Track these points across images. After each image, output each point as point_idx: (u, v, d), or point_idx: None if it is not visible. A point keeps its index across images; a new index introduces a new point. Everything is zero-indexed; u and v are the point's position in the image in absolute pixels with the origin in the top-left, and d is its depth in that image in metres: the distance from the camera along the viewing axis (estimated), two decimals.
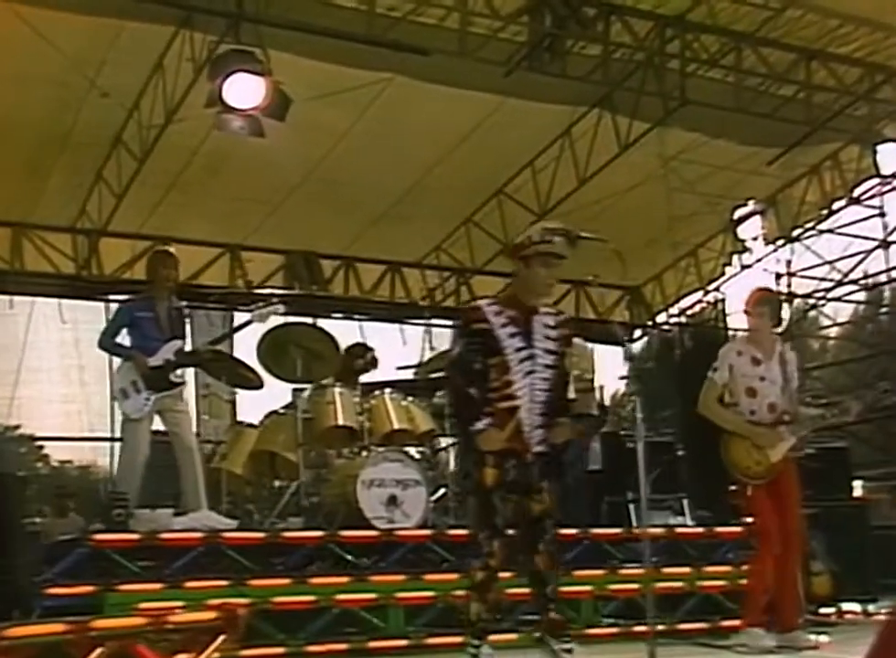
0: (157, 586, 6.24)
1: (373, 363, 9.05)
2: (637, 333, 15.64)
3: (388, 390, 8.37)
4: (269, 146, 11.47)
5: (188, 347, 7.95)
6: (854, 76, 11.93)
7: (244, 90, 9.50)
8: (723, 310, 14.08)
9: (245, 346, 8.57)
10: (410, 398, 8.43)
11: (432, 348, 9.85)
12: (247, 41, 9.68)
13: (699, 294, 14.96)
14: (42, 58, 9.95)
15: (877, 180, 13.28)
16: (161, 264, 8.02)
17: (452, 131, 12.00)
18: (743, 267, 14.32)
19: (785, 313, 13.81)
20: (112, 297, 11.81)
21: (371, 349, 9.17)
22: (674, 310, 15.30)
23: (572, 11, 10.55)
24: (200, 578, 6.35)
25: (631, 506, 8.36)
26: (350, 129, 11.71)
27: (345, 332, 11.72)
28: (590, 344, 10.36)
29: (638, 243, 13.99)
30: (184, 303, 8.12)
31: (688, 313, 14.93)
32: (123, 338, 7.81)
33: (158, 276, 7.97)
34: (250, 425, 8.43)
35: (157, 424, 7.75)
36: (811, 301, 14.81)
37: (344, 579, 6.79)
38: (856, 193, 13.82)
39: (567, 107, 11.93)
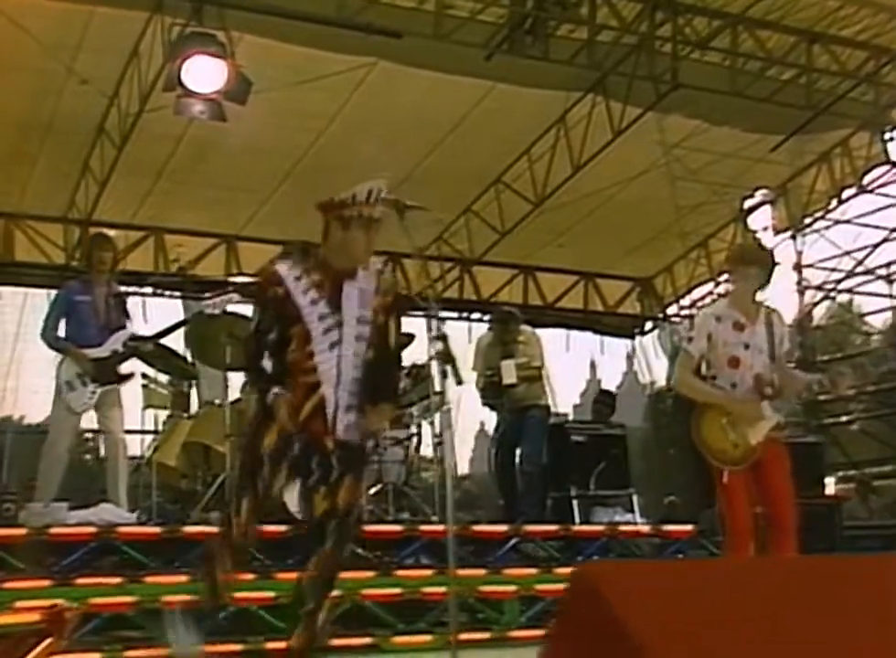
0: (44, 583, 5.98)
1: None
2: (648, 325, 15.24)
3: None
4: (254, 133, 11.34)
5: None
6: (859, 59, 11.41)
7: (204, 74, 9.30)
8: None
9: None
10: None
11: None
12: (212, 25, 9.53)
13: (711, 285, 14.48)
14: (16, 46, 9.85)
15: (887, 167, 12.76)
16: (96, 247, 7.85)
17: (442, 117, 11.70)
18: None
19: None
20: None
21: None
22: (685, 301, 14.84)
23: None
24: (90, 575, 6.11)
25: (574, 502, 7.99)
26: (336, 115, 11.48)
27: None
28: (538, 331, 10.10)
29: (646, 234, 13.70)
30: (122, 289, 7.91)
31: (700, 304, 14.45)
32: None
33: (93, 260, 7.77)
34: (190, 416, 8.23)
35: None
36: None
37: (248, 576, 6.51)
38: (866, 180, 13.27)
39: (560, 92, 11.57)
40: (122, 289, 8.04)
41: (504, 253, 13.73)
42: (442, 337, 4.73)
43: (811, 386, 6.46)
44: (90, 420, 7.72)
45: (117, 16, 9.88)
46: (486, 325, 9.77)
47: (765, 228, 13.07)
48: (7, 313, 12.60)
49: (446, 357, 4.70)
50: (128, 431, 7.86)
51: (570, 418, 15.40)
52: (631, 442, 9.28)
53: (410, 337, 8.35)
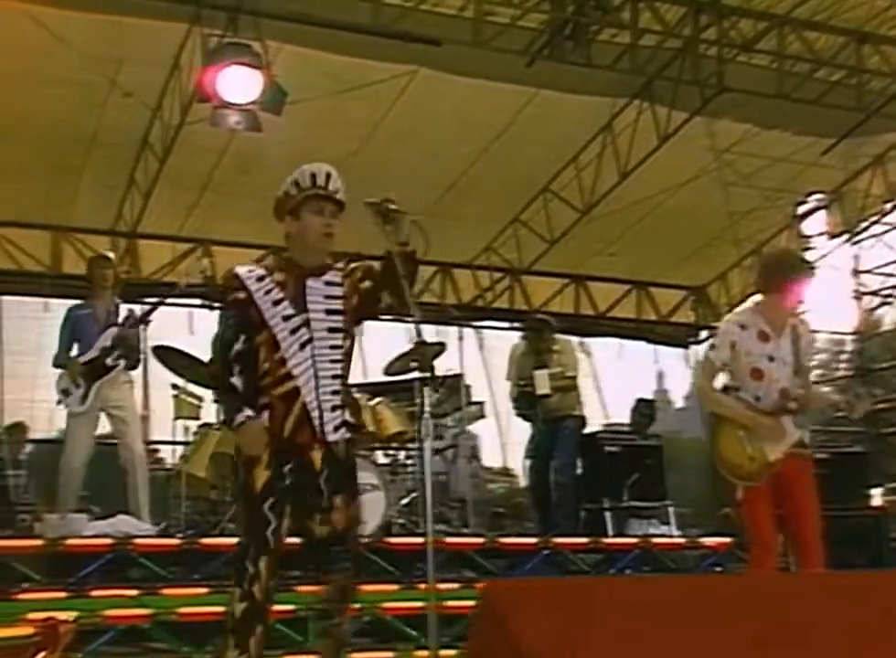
0: (60, 595, 5.93)
1: None
2: (703, 334, 14.96)
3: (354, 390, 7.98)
4: (297, 143, 11.30)
5: None
6: None
7: (239, 84, 9.28)
8: None
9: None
10: (379, 399, 8.04)
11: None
12: (249, 35, 9.51)
13: None
14: (59, 59, 9.91)
15: None
16: (97, 267, 8.17)
17: (485, 125, 11.59)
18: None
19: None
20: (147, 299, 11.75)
21: None
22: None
23: None
24: (106, 587, 6.05)
25: (607, 514, 7.79)
26: (379, 124, 11.41)
27: None
28: (589, 341, 9.93)
29: (698, 241, 13.47)
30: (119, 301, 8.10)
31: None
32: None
33: (95, 277, 8.07)
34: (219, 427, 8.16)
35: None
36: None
37: None
38: None
39: (605, 99, 11.42)
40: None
41: (554, 262, 13.58)
42: (422, 344, 4.51)
43: (832, 405, 6.11)
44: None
45: (157, 28, 9.90)
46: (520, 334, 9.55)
47: (820, 234, 12.77)
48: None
49: (424, 366, 4.53)
50: (159, 442, 7.84)
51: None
52: (686, 454, 9.09)
53: (441, 346, 8.25)
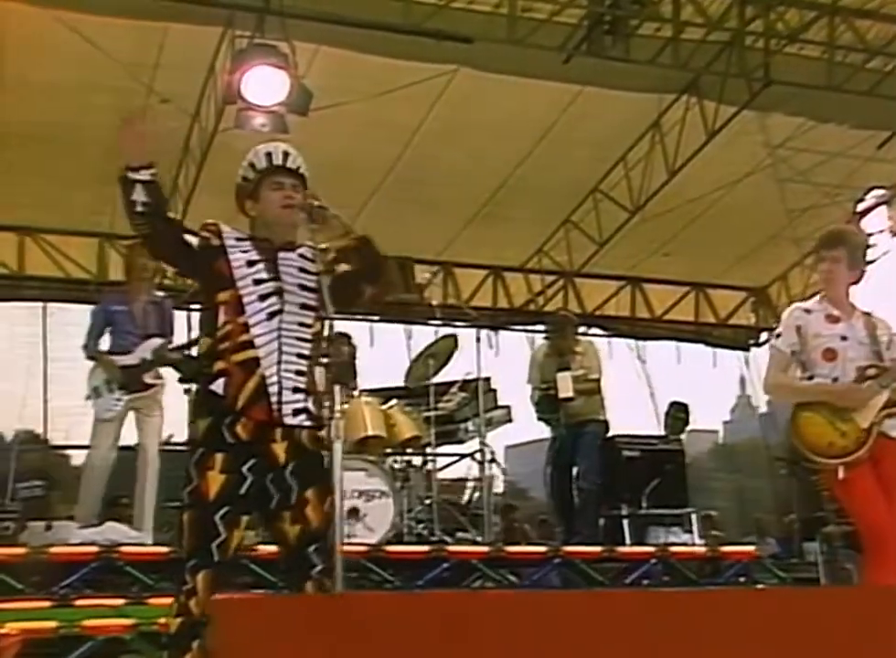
0: (43, 604, 5.80)
1: (351, 352, 8.40)
2: (764, 336, 14.52)
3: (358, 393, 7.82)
4: (339, 147, 11.22)
5: None
6: None
7: (264, 85, 9.17)
8: None
9: None
10: (393, 402, 7.84)
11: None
12: (277, 36, 9.40)
13: None
14: (96, 66, 9.91)
15: None
16: (137, 254, 7.48)
17: (529, 124, 11.36)
18: (869, 262, 12.99)
19: None
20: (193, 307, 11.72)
21: (348, 336, 8.53)
22: None
23: None
24: (91, 596, 5.92)
25: (625, 521, 7.49)
26: (421, 126, 11.25)
27: None
28: (647, 344, 9.63)
29: (755, 240, 13.09)
30: (161, 294, 7.72)
31: None
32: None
33: (135, 266, 7.61)
34: None
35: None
36: None
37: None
38: None
39: (652, 95, 11.12)
40: (161, 295, 7.80)
41: (607, 264, 13.28)
42: (332, 340, 4.25)
43: None
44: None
45: (192, 32, 9.84)
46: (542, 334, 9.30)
47: (881, 231, 12.27)
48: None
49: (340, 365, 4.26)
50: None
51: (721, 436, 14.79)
52: (743, 458, 8.73)
53: (455, 339, 8.05)
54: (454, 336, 8.38)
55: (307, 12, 9.41)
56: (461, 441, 8.35)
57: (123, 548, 6.35)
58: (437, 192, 12.06)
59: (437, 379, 8.25)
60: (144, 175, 4.17)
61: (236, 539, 4.06)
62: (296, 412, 4.11)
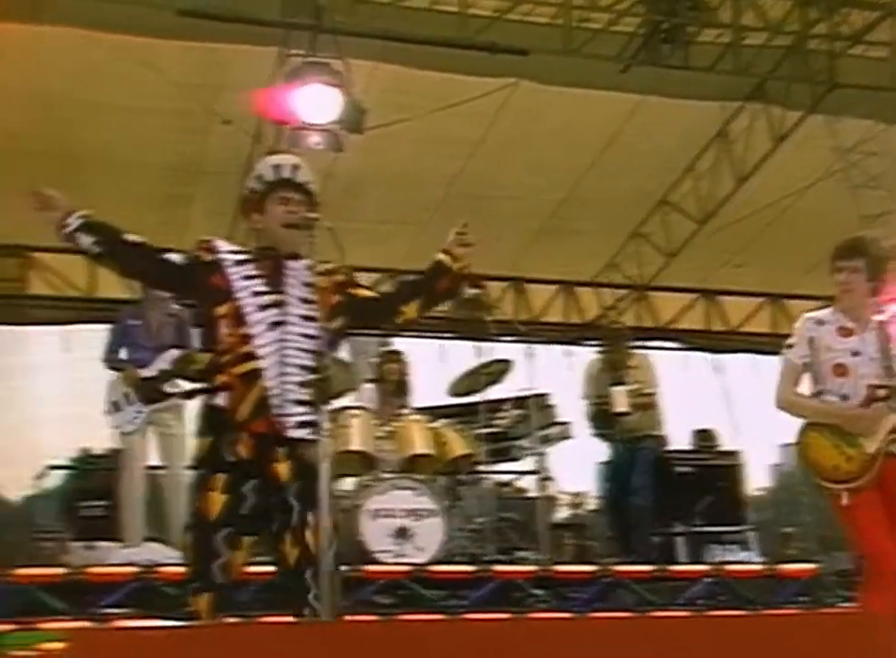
0: (83, 624, 5.82)
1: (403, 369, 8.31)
2: None
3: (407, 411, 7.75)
4: (401, 163, 11.23)
5: None
6: None
7: (318, 104, 9.17)
8: None
9: None
10: (444, 421, 7.75)
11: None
12: (331, 54, 9.40)
13: None
14: (156, 90, 10.01)
15: None
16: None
17: (592, 136, 11.23)
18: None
19: None
20: None
21: (399, 353, 8.46)
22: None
23: None
24: (130, 616, 5.92)
25: (680, 539, 7.29)
26: (483, 140, 11.17)
27: None
28: (720, 357, 9.41)
29: (829, 248, 12.68)
30: (178, 307, 7.68)
31: None
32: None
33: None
34: None
35: None
36: None
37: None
38: None
39: (715, 103, 10.92)
40: (177, 308, 7.79)
41: (678, 276, 13.04)
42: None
43: None
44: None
45: (250, 53, 9.87)
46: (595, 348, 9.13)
47: None
48: None
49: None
50: None
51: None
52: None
53: (507, 363, 7.93)
54: (508, 361, 8.28)
55: (360, 29, 9.40)
56: (515, 459, 8.23)
57: (162, 569, 6.31)
58: (501, 206, 11.97)
59: (490, 396, 8.15)
60: (73, 223, 4.14)
61: (239, 561, 4.00)
62: (300, 425, 4.02)
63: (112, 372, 7.58)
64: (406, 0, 9.67)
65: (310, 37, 9.41)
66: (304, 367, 4.06)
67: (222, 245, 4.27)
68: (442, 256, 4.42)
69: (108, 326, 7.83)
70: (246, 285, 4.12)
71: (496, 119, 10.87)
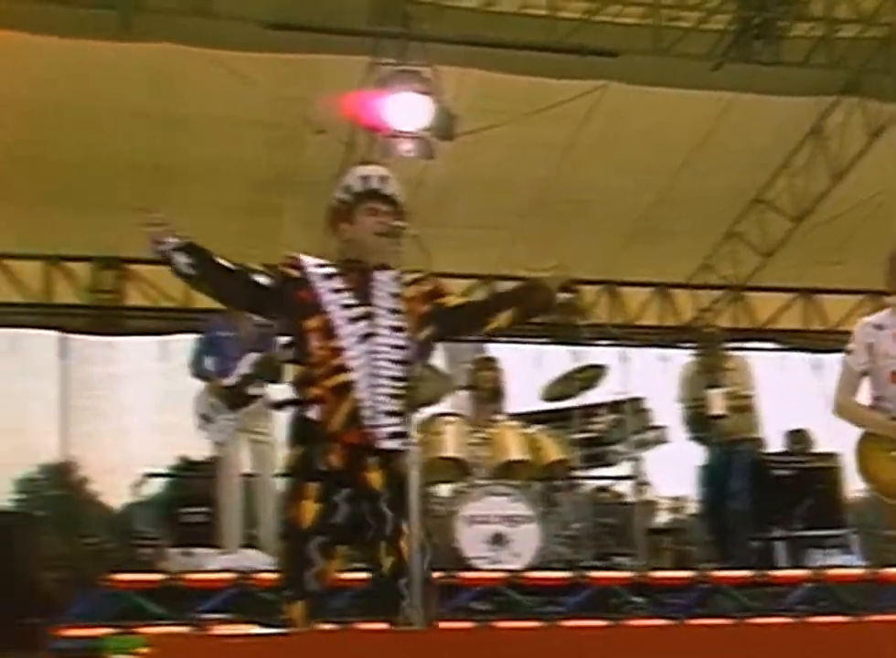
0: (181, 630, 5.89)
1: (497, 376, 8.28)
2: None
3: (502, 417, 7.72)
4: (493, 169, 11.22)
5: None
6: None
7: (408, 111, 9.20)
8: None
9: None
10: (538, 426, 7.71)
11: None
12: (418, 61, 9.42)
13: None
14: (248, 101, 10.15)
15: None
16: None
17: (685, 135, 11.10)
18: None
19: None
20: None
21: (494, 360, 8.43)
22: None
23: None
24: (227, 622, 5.98)
25: (777, 544, 7.16)
26: (573, 143, 11.11)
27: None
28: (822, 357, 9.23)
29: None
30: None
31: None
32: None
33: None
34: None
35: None
36: None
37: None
38: None
39: (808, 98, 10.74)
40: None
41: (775, 275, 12.83)
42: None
43: None
44: None
45: (341, 62, 9.92)
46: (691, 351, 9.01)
47: None
48: None
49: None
50: None
51: None
52: None
53: (601, 369, 7.87)
54: (602, 366, 8.22)
55: (449, 35, 9.42)
56: (610, 464, 8.18)
57: (259, 575, 6.35)
58: (594, 209, 11.92)
59: (586, 401, 8.11)
60: (171, 242, 4.17)
61: (332, 569, 4.03)
62: (391, 436, 4.04)
63: (200, 381, 7.67)
64: (494, 5, 9.66)
65: (399, 45, 9.45)
66: (394, 378, 4.08)
67: (308, 260, 4.32)
68: (544, 277, 4.31)
69: (196, 336, 7.86)
70: (334, 298, 4.16)
71: (586, 121, 10.80)
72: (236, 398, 7.40)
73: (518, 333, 12.85)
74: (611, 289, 13.09)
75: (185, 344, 12.41)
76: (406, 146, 9.33)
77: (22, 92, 9.70)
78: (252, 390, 7.41)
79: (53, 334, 12.11)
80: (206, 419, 7.48)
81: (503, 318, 4.39)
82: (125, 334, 12.40)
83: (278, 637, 3.43)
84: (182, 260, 4.16)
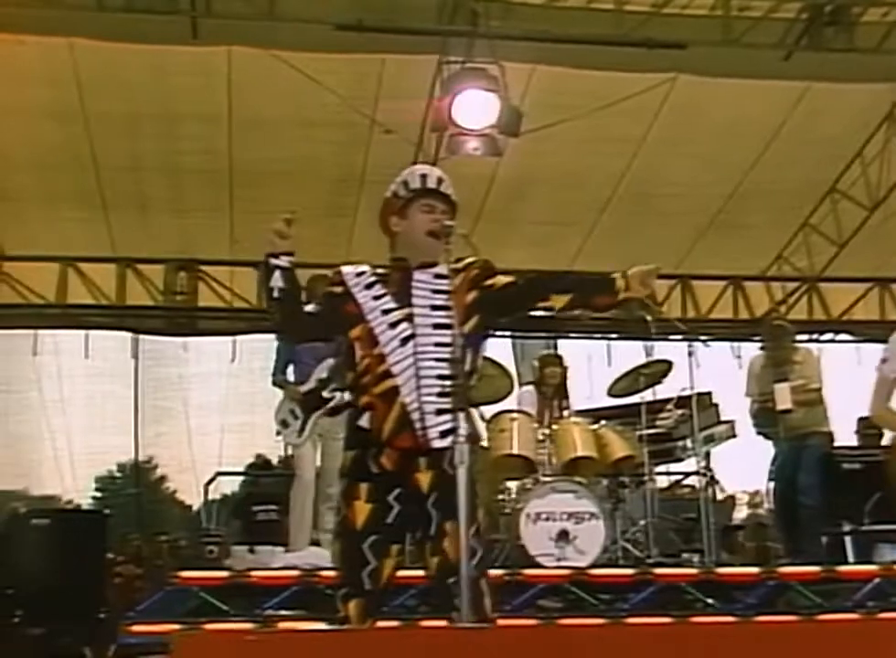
0: (246, 627, 5.98)
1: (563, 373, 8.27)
2: None
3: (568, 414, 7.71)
4: (566, 164, 11.20)
5: None
6: None
7: (475, 109, 9.21)
8: None
9: None
10: (603, 422, 7.69)
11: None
12: (485, 59, 9.44)
13: None
14: (318, 102, 10.23)
15: None
16: (320, 284, 7.76)
17: (758, 126, 11.00)
18: None
19: None
20: None
21: (559, 357, 8.40)
22: None
23: None
24: (293, 619, 6.04)
25: (848, 539, 7.05)
26: (646, 137, 11.05)
27: None
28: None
29: None
30: None
31: None
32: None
33: (316, 298, 7.81)
34: None
35: None
36: None
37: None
38: None
39: (884, 85, 10.56)
40: None
41: (851, 266, 12.63)
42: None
43: None
44: None
45: (409, 62, 9.98)
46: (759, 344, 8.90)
47: None
48: None
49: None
50: None
51: None
52: None
53: (669, 364, 7.82)
54: (669, 361, 8.16)
55: (516, 32, 9.40)
56: (679, 459, 8.12)
57: (324, 573, 6.38)
58: (667, 203, 11.85)
59: (652, 397, 8.06)
60: (283, 262, 4.22)
61: (388, 568, 4.05)
62: (443, 434, 4.02)
63: (279, 389, 7.79)
64: (561, 1, 9.63)
65: (467, 43, 9.46)
66: (441, 377, 4.07)
67: (350, 272, 4.34)
68: (617, 276, 4.23)
69: (276, 345, 7.97)
70: (375, 306, 4.18)
71: (657, 114, 10.75)
72: (312, 402, 7.51)
73: (587, 328, 12.90)
74: (684, 282, 12.96)
75: (257, 344, 12.65)
76: (473, 144, 9.34)
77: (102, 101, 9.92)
78: (327, 394, 7.49)
79: (127, 335, 12.34)
80: (284, 425, 7.60)
81: (560, 300, 4.32)
82: (198, 335, 12.58)
83: (333, 634, 3.46)
84: (279, 282, 4.22)
